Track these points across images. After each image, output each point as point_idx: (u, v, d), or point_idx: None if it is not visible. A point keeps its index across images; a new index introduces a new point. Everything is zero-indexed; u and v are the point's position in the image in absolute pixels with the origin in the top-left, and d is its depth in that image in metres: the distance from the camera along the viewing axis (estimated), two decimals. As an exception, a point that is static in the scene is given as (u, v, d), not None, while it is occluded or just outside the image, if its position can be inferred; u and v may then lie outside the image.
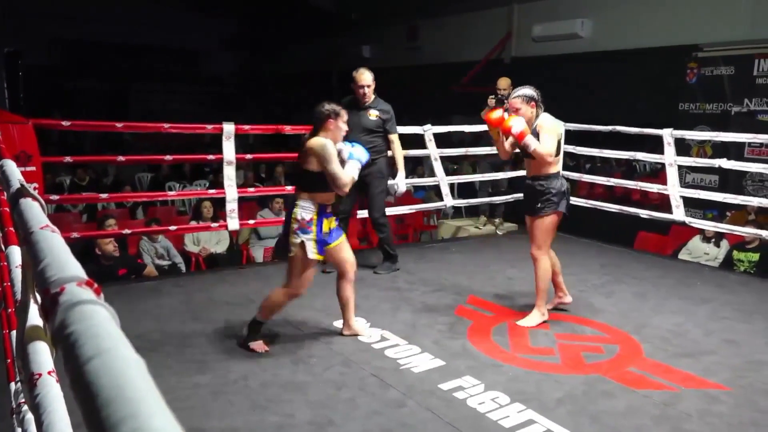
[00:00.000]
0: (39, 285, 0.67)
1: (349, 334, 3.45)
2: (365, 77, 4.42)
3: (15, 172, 1.49)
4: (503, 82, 5.94)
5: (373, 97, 4.50)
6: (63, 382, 1.01)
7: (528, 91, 3.58)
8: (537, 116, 3.56)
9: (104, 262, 4.80)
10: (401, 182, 4.67)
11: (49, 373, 1.07)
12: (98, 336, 0.49)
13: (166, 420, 0.39)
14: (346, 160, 3.13)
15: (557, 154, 3.58)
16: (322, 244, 3.12)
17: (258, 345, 3.21)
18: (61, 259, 0.72)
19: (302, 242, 3.05)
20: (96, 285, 0.64)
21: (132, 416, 0.38)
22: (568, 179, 6.75)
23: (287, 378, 2.92)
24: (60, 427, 0.92)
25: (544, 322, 3.67)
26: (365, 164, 3.29)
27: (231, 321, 3.62)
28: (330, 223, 3.20)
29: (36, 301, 1.11)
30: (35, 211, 1.01)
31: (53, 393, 1.02)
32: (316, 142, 3.06)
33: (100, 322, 0.52)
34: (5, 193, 1.50)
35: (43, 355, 1.11)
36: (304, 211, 3.07)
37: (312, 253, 3.06)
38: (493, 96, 5.98)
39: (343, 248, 3.31)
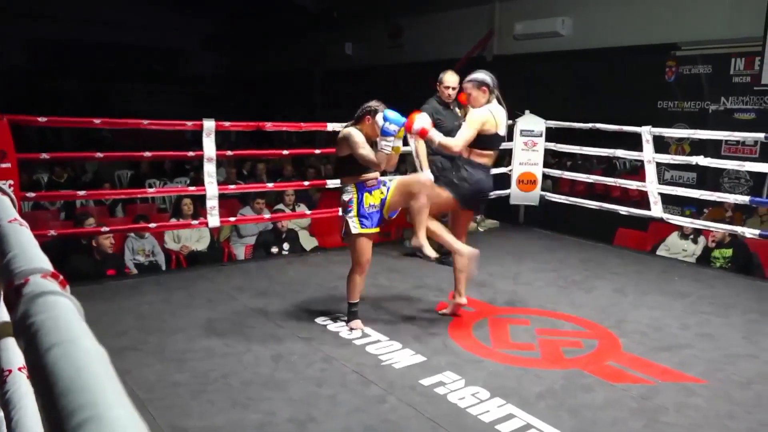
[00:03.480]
0: (4, 277, 0.66)
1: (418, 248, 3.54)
2: (453, 79, 4.62)
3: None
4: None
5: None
6: (34, 378, 0.99)
7: (480, 75, 3.41)
8: (488, 103, 3.38)
9: (97, 257, 4.74)
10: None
11: (19, 369, 1.06)
12: (59, 327, 0.49)
13: (124, 409, 0.39)
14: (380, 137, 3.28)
15: (488, 147, 3.43)
16: (365, 218, 3.36)
17: (355, 324, 3.49)
18: (27, 251, 0.71)
19: (346, 221, 3.36)
20: (61, 277, 0.63)
21: (89, 405, 0.38)
22: (549, 176, 6.88)
23: (268, 376, 2.91)
24: (29, 422, 0.91)
25: (525, 318, 3.69)
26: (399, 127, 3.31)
27: (212, 319, 3.60)
28: (380, 194, 3.40)
29: (5, 296, 1.10)
30: (4, 205, 1.00)
31: (23, 389, 1.01)
32: (344, 132, 3.35)
33: (62, 313, 0.52)
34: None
35: (13, 351, 1.09)
36: (345, 194, 3.40)
37: (355, 228, 3.34)
38: None
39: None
